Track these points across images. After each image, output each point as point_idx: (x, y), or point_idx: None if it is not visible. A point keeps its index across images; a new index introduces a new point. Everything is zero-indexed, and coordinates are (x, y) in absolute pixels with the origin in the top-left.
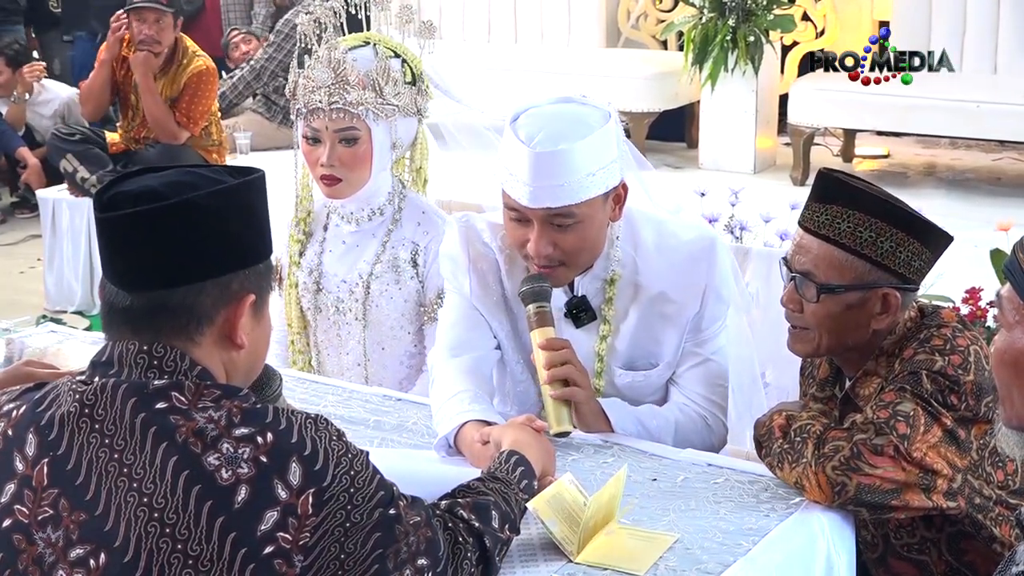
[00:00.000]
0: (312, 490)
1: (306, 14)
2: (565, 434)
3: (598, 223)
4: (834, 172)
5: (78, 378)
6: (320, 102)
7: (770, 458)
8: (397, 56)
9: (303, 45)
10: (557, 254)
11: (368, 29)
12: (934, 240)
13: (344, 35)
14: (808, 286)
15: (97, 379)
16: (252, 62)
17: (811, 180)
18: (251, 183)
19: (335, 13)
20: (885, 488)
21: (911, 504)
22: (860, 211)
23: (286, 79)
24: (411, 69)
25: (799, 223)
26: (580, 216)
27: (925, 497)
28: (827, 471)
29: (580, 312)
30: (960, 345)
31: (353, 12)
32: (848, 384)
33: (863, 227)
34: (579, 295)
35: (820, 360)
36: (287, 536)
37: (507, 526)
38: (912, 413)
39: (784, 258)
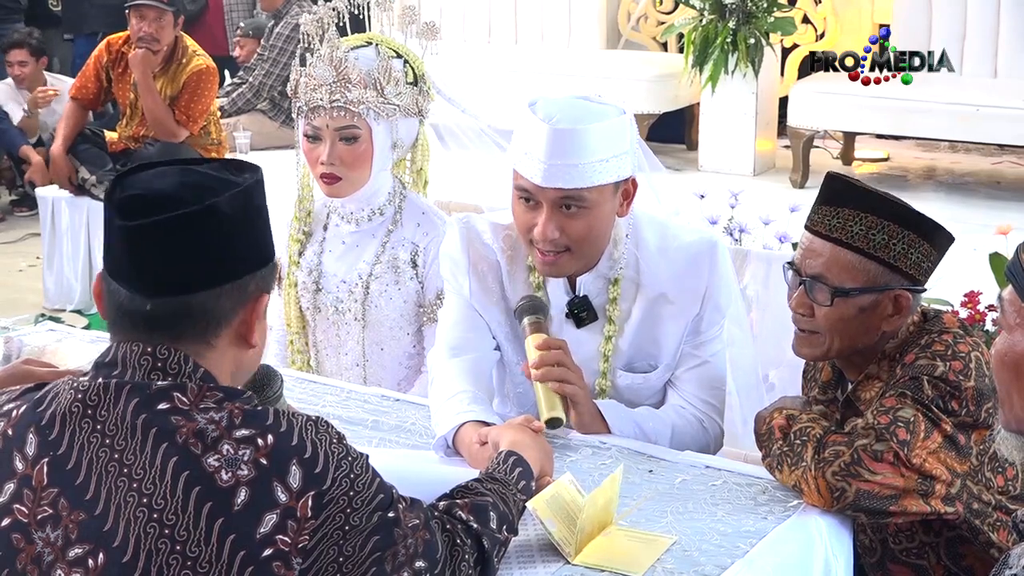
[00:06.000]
0: (312, 493)
1: (309, 14)
2: (557, 423)
3: (606, 213)
4: (842, 175)
5: (80, 378)
6: (321, 100)
7: (769, 459)
8: (399, 57)
9: (305, 44)
10: (563, 240)
11: (369, 30)
12: (940, 240)
13: (347, 35)
14: (820, 290)
15: (100, 379)
16: (251, 79)
17: (811, 183)
18: (260, 182)
19: (338, 13)
20: (884, 494)
21: (909, 510)
22: (872, 214)
23: (285, 89)
24: (413, 70)
25: (806, 227)
26: (589, 202)
27: (923, 502)
28: (827, 476)
29: (581, 312)
30: (961, 351)
31: (356, 13)
32: (850, 388)
33: (875, 229)
34: (581, 295)
35: (823, 363)
36: (286, 539)
37: (505, 527)
38: (912, 419)
39: (790, 263)
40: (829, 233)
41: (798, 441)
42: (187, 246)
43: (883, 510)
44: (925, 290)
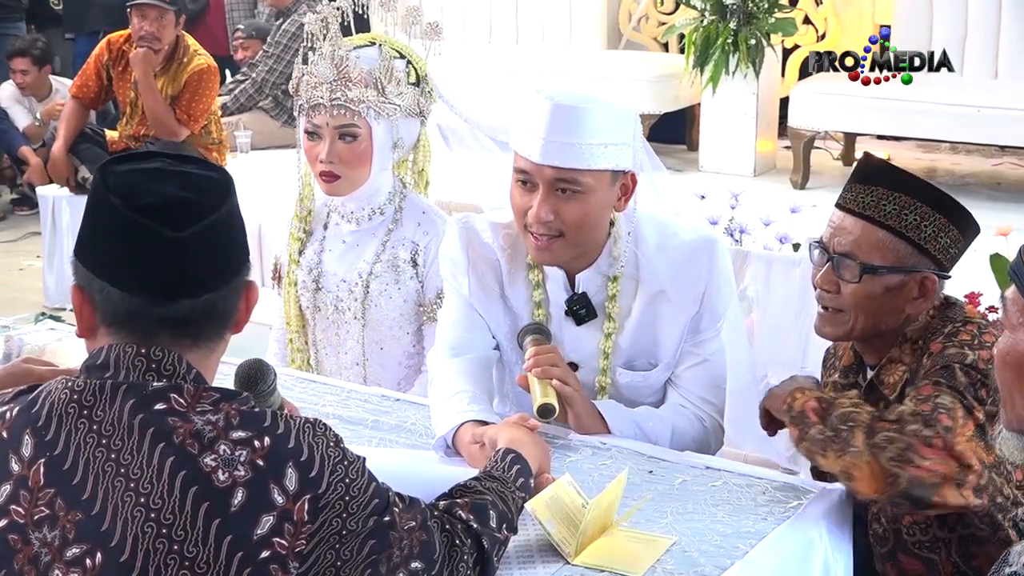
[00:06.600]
0: (308, 496)
1: (313, 13)
2: (550, 410)
3: (602, 202)
4: (877, 156)
5: (73, 379)
6: (321, 98)
7: (807, 443)
8: (402, 57)
9: (308, 44)
10: (557, 223)
11: (371, 31)
12: (969, 229)
13: (352, 36)
14: (849, 266)
15: (95, 380)
16: (254, 75)
17: (811, 184)
18: None
19: (342, 12)
20: (931, 481)
21: (947, 500)
22: (906, 194)
23: (289, 88)
24: (416, 70)
25: (838, 205)
26: (585, 187)
27: (957, 493)
28: (882, 462)
29: (580, 309)
30: (987, 341)
31: (360, 12)
32: (873, 372)
33: (908, 210)
34: (580, 292)
35: (842, 349)
36: (283, 542)
37: (504, 526)
38: (951, 406)
39: (818, 241)
40: (862, 211)
41: (843, 426)
42: (218, 248)
43: (927, 499)
44: (950, 277)
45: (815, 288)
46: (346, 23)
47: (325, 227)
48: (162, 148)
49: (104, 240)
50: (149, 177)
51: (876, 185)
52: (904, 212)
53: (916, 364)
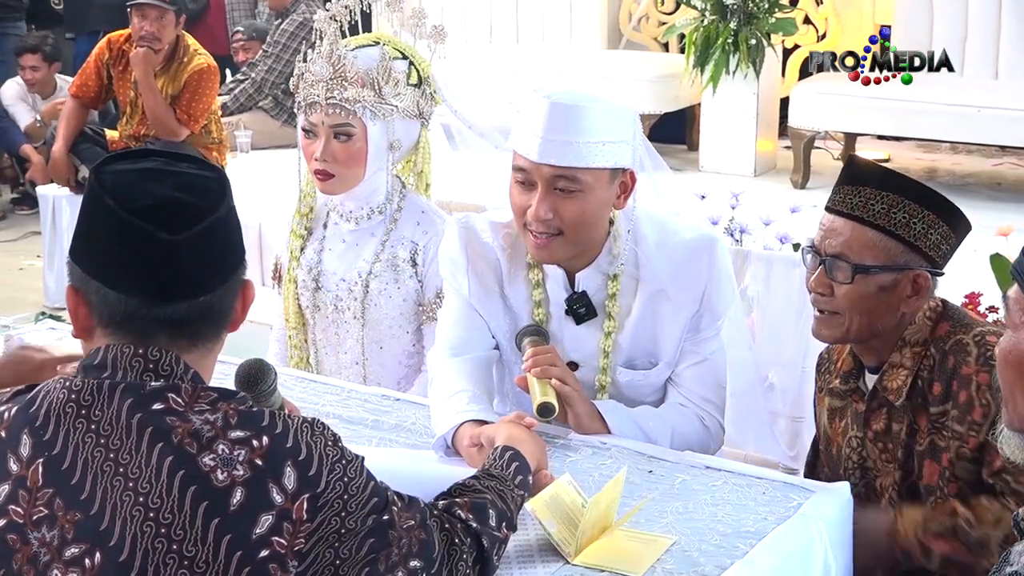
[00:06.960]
0: (306, 495)
1: (323, 11)
2: (550, 408)
3: (600, 200)
4: (864, 158)
5: (72, 379)
6: (317, 96)
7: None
8: (405, 58)
9: (314, 40)
10: (555, 222)
11: (374, 30)
12: (959, 224)
13: (358, 34)
14: (841, 268)
15: (92, 380)
16: (254, 75)
17: (812, 183)
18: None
19: (350, 11)
20: None
21: None
22: (894, 192)
23: (288, 87)
24: (418, 72)
25: (827, 208)
26: (584, 185)
27: None
28: None
29: (580, 308)
30: None
31: (367, 11)
32: (875, 378)
33: (897, 208)
34: (580, 290)
35: (839, 355)
36: (282, 541)
37: (504, 524)
38: None
39: (810, 245)
40: (851, 211)
41: (997, 546)
42: (214, 249)
43: None
44: (943, 273)
45: (809, 292)
46: (354, 22)
47: (325, 226)
48: (162, 147)
49: (99, 242)
50: (143, 177)
51: (864, 185)
52: (893, 210)
53: (921, 369)
